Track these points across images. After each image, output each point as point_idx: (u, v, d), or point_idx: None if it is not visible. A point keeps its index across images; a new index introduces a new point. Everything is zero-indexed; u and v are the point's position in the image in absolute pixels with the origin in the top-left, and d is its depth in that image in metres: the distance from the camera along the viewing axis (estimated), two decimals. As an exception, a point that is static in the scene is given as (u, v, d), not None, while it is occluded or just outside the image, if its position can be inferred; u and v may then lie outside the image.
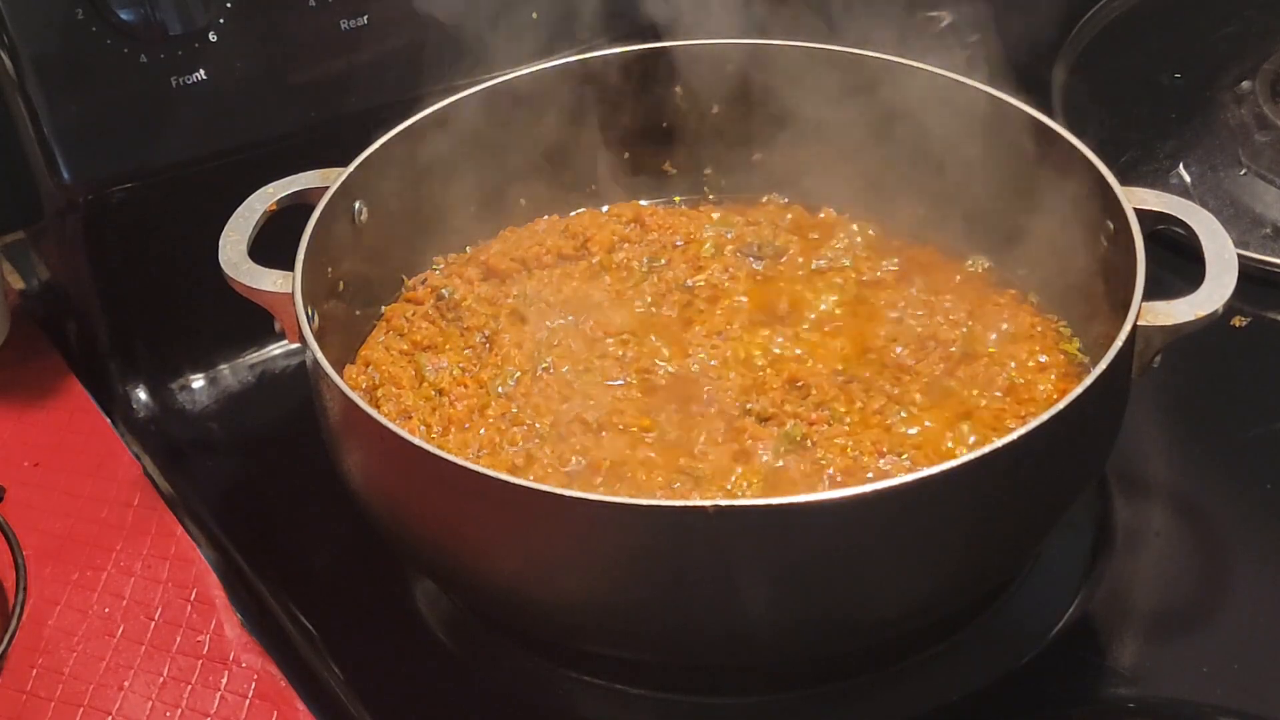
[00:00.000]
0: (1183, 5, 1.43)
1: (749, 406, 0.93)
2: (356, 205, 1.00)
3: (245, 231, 0.94)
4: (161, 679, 0.92)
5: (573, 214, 1.13)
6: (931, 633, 0.90)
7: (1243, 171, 1.22)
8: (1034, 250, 1.02)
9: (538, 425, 0.93)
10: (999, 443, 0.76)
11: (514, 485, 0.76)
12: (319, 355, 0.85)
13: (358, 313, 1.03)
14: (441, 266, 1.09)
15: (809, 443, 0.90)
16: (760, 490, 0.88)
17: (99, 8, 0.99)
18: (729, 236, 1.09)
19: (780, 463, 0.90)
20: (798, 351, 0.98)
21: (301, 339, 0.88)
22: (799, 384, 0.95)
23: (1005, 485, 0.79)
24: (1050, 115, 0.99)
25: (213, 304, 0.98)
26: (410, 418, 0.94)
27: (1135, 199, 0.91)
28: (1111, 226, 0.92)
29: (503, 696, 0.91)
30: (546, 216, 1.12)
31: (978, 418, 0.92)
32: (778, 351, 0.98)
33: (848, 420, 0.92)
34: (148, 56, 1.01)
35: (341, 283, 0.99)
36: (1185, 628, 0.92)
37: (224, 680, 0.92)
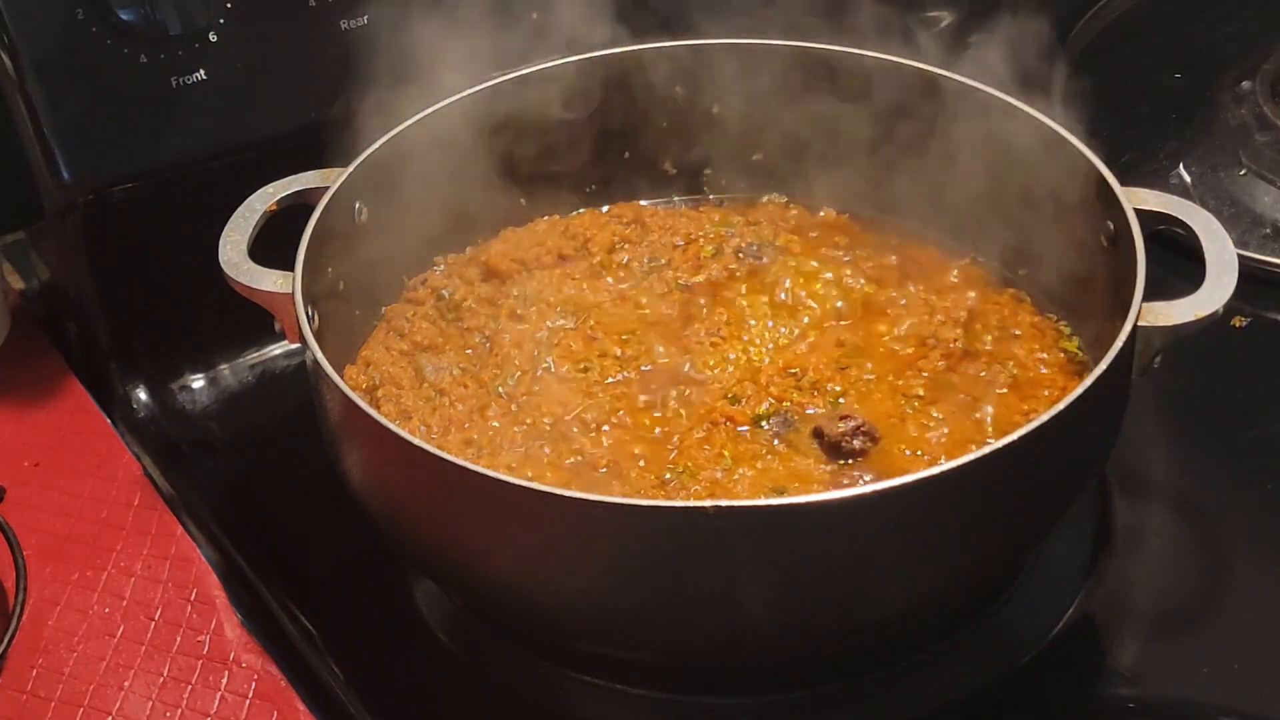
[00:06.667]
0: (1183, 5, 1.43)
1: (749, 407, 0.93)
2: (356, 205, 1.00)
3: (245, 231, 0.94)
4: (161, 679, 0.92)
5: (573, 214, 1.13)
6: (932, 633, 0.90)
7: (1243, 171, 1.22)
8: (1034, 250, 1.02)
9: (538, 425, 0.93)
10: (999, 443, 0.76)
11: (514, 485, 0.76)
12: (319, 355, 0.85)
13: (358, 313, 1.03)
14: (442, 266, 1.09)
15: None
16: (759, 486, 0.88)
17: (99, 8, 0.99)
18: (729, 236, 1.09)
19: (775, 459, 0.90)
20: (798, 351, 0.98)
21: (301, 339, 0.88)
22: (798, 376, 0.95)
23: (1005, 485, 0.79)
24: (1050, 115, 0.99)
25: (213, 304, 0.98)
26: (410, 418, 0.94)
27: (1135, 199, 0.91)
28: (1111, 226, 0.92)
29: (503, 696, 0.91)
30: (546, 217, 1.12)
31: (981, 414, 0.92)
32: (777, 351, 0.98)
33: (843, 399, 0.93)
34: (148, 56, 1.01)
35: (341, 283, 0.99)
36: (1185, 628, 0.92)
37: (224, 680, 0.92)
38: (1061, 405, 0.78)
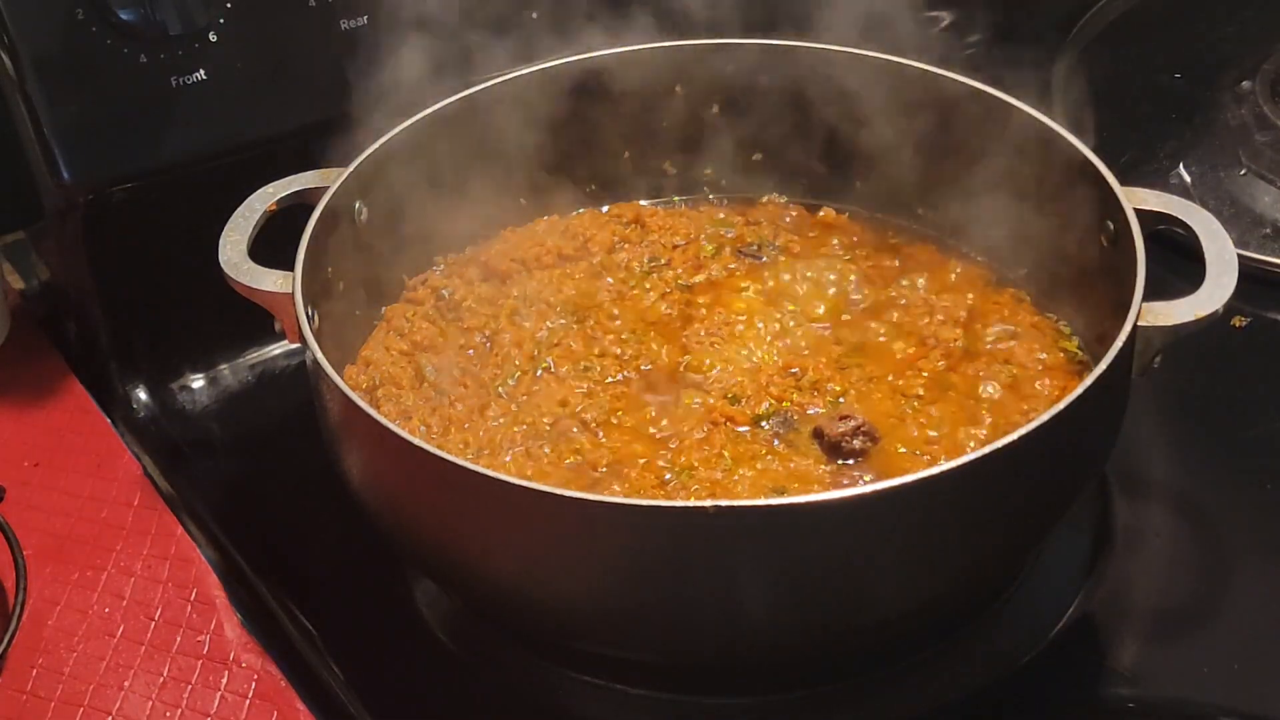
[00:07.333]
0: (1183, 5, 1.43)
1: (749, 407, 0.93)
2: (356, 205, 1.00)
3: (245, 231, 0.94)
4: (161, 679, 0.92)
5: (573, 214, 1.13)
6: (931, 633, 0.90)
7: (1243, 171, 1.22)
8: (1034, 250, 1.02)
9: (538, 425, 0.93)
10: (999, 443, 0.76)
11: (514, 485, 0.76)
12: (319, 355, 0.85)
13: (358, 313, 1.03)
14: (442, 266, 1.09)
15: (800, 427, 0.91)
16: (759, 486, 0.88)
17: (99, 8, 0.99)
18: (729, 236, 1.09)
19: (775, 459, 0.90)
20: (798, 351, 0.98)
21: (301, 339, 0.88)
22: (798, 376, 0.95)
23: (1005, 485, 0.79)
24: (1050, 115, 0.99)
25: (213, 304, 0.98)
26: (410, 418, 0.94)
27: (1135, 199, 0.91)
28: (1111, 226, 0.92)
29: (503, 696, 0.91)
30: (546, 217, 1.12)
31: (981, 414, 0.92)
32: (777, 351, 0.98)
33: (843, 399, 0.92)
34: (148, 56, 1.01)
35: (341, 283, 0.99)
36: (1185, 628, 0.92)
37: (224, 680, 0.92)
38: (1061, 405, 0.78)
